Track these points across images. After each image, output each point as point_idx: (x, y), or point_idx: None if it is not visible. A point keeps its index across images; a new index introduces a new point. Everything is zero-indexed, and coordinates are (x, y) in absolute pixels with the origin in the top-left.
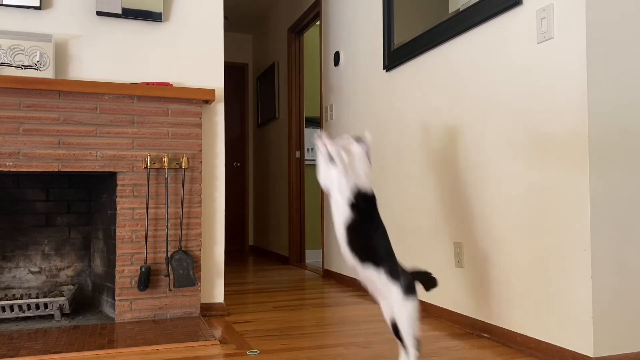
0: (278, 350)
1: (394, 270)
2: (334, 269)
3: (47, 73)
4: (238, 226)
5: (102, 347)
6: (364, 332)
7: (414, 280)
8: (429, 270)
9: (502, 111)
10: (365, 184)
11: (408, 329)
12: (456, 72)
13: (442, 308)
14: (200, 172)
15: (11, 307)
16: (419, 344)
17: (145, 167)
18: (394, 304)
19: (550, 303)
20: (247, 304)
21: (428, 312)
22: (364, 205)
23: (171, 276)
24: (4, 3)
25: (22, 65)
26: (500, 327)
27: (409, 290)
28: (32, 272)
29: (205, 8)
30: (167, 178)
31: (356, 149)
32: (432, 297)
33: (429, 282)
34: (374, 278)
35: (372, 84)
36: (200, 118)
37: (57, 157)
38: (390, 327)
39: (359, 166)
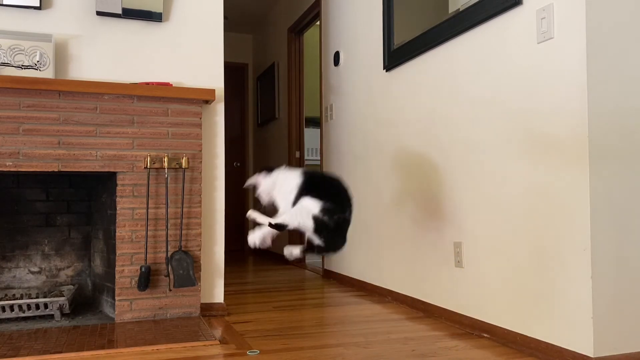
0: (278, 350)
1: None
2: (334, 269)
3: (47, 73)
4: (238, 226)
5: (102, 347)
6: (364, 332)
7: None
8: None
9: (502, 111)
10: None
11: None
12: (456, 72)
13: (442, 308)
14: (200, 172)
15: (11, 307)
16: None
17: (145, 167)
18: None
19: (550, 303)
20: (247, 304)
21: (428, 312)
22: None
23: (171, 276)
24: (4, 3)
25: (22, 65)
26: (500, 327)
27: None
28: (32, 272)
29: (205, 8)
30: (167, 178)
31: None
32: (432, 297)
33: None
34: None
35: (372, 84)
36: (200, 118)
37: (57, 157)
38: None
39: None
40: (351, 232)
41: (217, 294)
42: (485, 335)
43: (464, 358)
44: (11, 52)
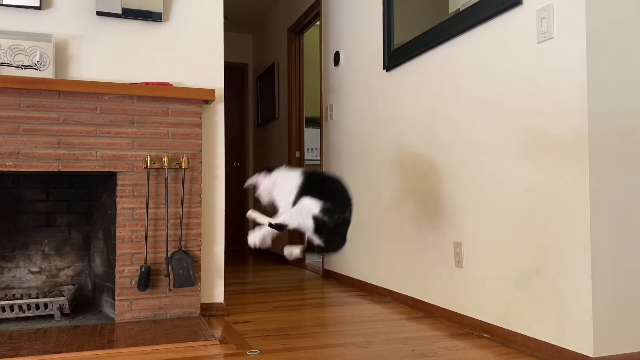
0: (278, 350)
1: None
2: (334, 269)
3: (47, 73)
4: (238, 226)
5: (102, 347)
6: (364, 332)
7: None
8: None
9: (502, 111)
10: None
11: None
12: (456, 72)
13: (442, 308)
14: (200, 172)
15: (11, 307)
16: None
17: (145, 167)
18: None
19: (550, 303)
20: (247, 304)
21: (428, 312)
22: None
23: (171, 276)
24: (4, 3)
25: (22, 65)
26: (500, 327)
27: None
28: (32, 272)
29: (205, 8)
30: (167, 178)
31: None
32: (432, 297)
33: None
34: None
35: (372, 84)
36: (200, 118)
37: (57, 157)
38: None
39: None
40: (351, 232)
41: (217, 294)
42: (485, 335)
43: (464, 358)
44: (11, 52)
